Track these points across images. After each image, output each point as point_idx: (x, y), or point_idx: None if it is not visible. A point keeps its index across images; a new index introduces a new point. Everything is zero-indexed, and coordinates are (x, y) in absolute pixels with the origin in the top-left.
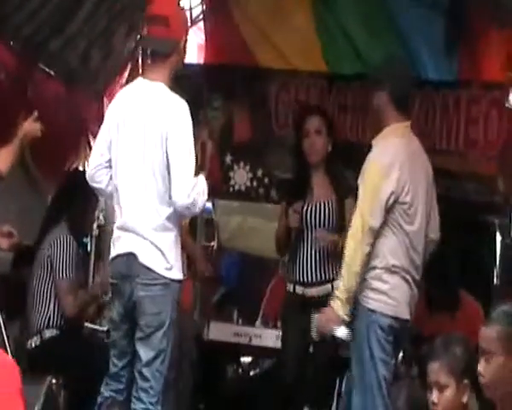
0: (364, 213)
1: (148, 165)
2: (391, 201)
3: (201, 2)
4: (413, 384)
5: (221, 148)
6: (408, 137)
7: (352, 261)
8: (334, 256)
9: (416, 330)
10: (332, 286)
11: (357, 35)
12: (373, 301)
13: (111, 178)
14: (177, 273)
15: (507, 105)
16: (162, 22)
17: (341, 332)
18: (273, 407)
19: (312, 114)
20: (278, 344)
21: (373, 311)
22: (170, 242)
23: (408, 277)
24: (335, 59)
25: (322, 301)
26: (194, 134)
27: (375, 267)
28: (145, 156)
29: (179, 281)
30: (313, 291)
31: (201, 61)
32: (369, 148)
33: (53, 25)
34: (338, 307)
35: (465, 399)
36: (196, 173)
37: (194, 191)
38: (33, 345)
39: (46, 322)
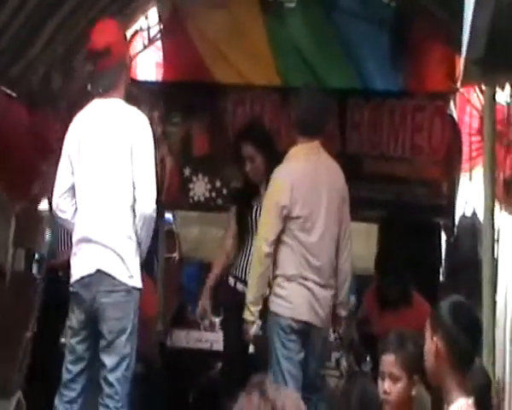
0: (262, 231)
1: (113, 178)
2: (284, 213)
3: (159, 22)
4: (365, 379)
5: (180, 161)
6: (311, 156)
7: (256, 267)
8: None
9: (368, 328)
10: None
11: (307, 48)
12: (275, 305)
13: (75, 211)
14: (137, 281)
15: (449, 113)
16: (105, 55)
17: (254, 330)
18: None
19: (243, 142)
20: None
21: (275, 313)
22: (131, 251)
23: (307, 283)
24: (288, 72)
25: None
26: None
27: (276, 275)
28: (109, 171)
29: (139, 289)
30: None
31: (160, 78)
32: None
33: (14, 51)
34: (246, 315)
35: (413, 392)
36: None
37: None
38: None
39: None
